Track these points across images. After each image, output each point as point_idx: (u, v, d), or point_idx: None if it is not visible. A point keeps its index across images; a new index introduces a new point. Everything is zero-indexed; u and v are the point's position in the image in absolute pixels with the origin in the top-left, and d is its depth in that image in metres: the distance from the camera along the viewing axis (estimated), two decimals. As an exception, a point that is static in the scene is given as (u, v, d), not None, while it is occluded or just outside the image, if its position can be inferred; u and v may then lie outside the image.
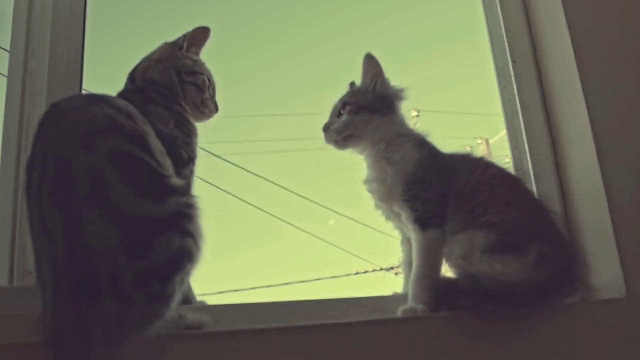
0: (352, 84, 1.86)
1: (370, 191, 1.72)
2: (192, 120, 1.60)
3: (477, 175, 1.65)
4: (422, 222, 1.58)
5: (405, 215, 1.63)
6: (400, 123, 1.75)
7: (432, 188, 1.61)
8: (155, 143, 1.33)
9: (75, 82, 1.66)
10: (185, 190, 1.30)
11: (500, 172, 1.71)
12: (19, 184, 1.54)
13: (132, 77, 1.63)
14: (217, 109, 1.71)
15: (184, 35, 1.68)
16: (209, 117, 1.70)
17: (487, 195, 1.61)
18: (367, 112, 1.70)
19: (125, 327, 1.13)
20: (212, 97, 1.71)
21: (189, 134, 1.54)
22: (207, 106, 1.67)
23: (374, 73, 1.75)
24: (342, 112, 1.74)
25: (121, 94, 1.54)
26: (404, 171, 1.64)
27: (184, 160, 1.47)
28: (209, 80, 1.69)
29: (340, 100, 1.79)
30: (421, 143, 1.71)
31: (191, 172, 1.51)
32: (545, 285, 1.46)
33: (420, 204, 1.59)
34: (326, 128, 1.74)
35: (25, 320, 1.24)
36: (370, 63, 1.76)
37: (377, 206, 1.73)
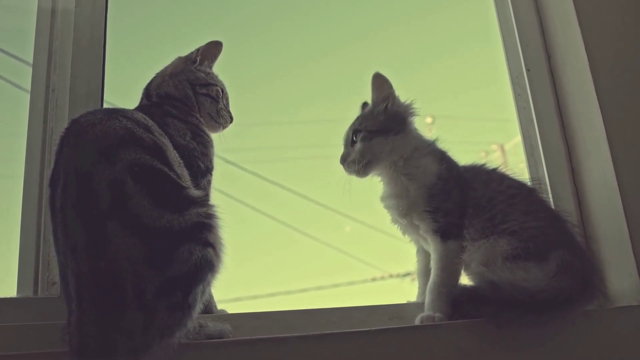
0: (365, 104, 1.85)
1: (388, 207, 1.72)
2: (208, 132, 1.63)
3: (493, 186, 1.67)
4: (443, 232, 1.59)
5: (425, 227, 1.63)
6: (415, 137, 1.75)
7: (452, 199, 1.62)
8: (173, 155, 1.36)
9: (96, 96, 1.69)
10: (205, 200, 1.31)
11: (516, 182, 1.71)
12: (43, 197, 1.57)
13: (147, 92, 1.66)
14: (232, 119, 1.74)
15: (197, 50, 1.71)
16: (225, 127, 1.72)
17: (505, 204, 1.61)
18: (381, 135, 1.69)
19: (149, 337, 1.15)
20: (226, 107, 1.74)
21: (206, 145, 1.57)
22: (222, 116, 1.69)
23: (386, 94, 1.74)
24: (355, 139, 1.74)
25: (138, 109, 1.56)
26: (425, 183, 1.64)
27: (202, 171, 1.50)
28: (223, 92, 1.72)
29: (351, 127, 1.78)
30: (440, 155, 1.72)
31: (209, 182, 1.53)
32: (567, 294, 1.46)
33: (441, 215, 1.59)
34: (343, 160, 1.73)
35: (50, 330, 1.27)
36: (380, 83, 1.74)
37: (395, 221, 1.73)
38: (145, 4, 2.32)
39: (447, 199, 1.61)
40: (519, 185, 1.71)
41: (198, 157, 1.50)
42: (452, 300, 1.51)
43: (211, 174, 1.55)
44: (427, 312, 1.52)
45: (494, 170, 1.74)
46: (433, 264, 1.59)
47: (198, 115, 1.64)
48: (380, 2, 2.72)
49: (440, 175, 1.65)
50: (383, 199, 1.74)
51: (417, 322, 1.50)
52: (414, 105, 1.75)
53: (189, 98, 1.64)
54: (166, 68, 1.70)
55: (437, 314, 1.49)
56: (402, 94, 1.77)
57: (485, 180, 1.68)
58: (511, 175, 1.74)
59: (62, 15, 1.74)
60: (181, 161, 1.38)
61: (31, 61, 1.72)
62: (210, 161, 1.57)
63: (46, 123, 1.65)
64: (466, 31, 2.71)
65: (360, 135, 1.72)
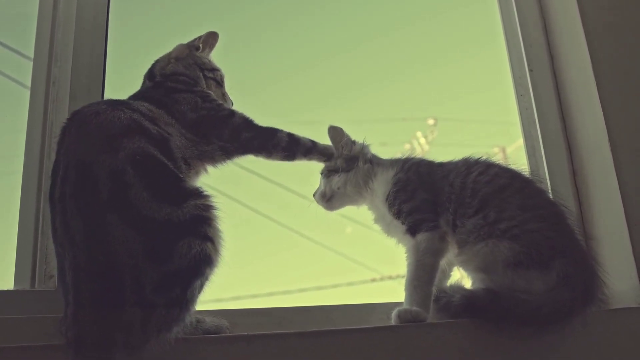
0: None
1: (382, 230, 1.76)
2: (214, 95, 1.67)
3: (474, 176, 1.63)
4: (412, 231, 1.60)
5: (400, 236, 1.66)
6: (373, 165, 1.79)
7: (414, 198, 1.63)
8: (177, 142, 1.38)
9: (97, 89, 1.69)
10: (201, 191, 1.30)
11: (507, 172, 1.66)
12: (42, 189, 1.57)
13: (150, 74, 1.68)
14: (232, 104, 1.78)
15: (199, 38, 1.77)
16: None
17: (498, 199, 1.57)
18: (335, 172, 1.77)
19: (147, 331, 1.14)
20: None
21: (216, 101, 1.63)
22: (227, 100, 1.75)
23: (341, 143, 1.80)
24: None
25: (140, 93, 1.58)
26: (383, 195, 1.69)
27: (226, 115, 1.56)
28: (223, 77, 1.78)
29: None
30: (395, 164, 1.75)
31: (242, 117, 1.59)
32: (567, 306, 1.44)
33: (405, 216, 1.61)
34: (314, 195, 1.82)
35: (47, 323, 1.27)
36: (333, 135, 1.81)
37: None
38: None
39: (407, 200, 1.64)
40: (511, 174, 1.65)
41: (217, 112, 1.56)
42: (449, 302, 1.50)
43: (237, 112, 1.61)
44: (404, 306, 1.50)
45: (478, 160, 1.70)
46: (407, 261, 1.59)
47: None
48: (385, 4, 2.71)
49: (397, 181, 1.69)
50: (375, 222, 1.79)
51: (393, 315, 1.47)
52: (364, 145, 1.82)
53: (200, 79, 1.68)
54: (169, 53, 1.72)
55: (414, 308, 1.47)
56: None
57: (463, 172, 1.66)
58: (502, 164, 1.69)
59: (64, 3, 1.74)
60: (187, 144, 1.42)
61: (32, 55, 1.71)
62: (224, 107, 1.62)
63: (46, 116, 1.64)
64: (470, 33, 2.71)
65: (322, 175, 1.82)
